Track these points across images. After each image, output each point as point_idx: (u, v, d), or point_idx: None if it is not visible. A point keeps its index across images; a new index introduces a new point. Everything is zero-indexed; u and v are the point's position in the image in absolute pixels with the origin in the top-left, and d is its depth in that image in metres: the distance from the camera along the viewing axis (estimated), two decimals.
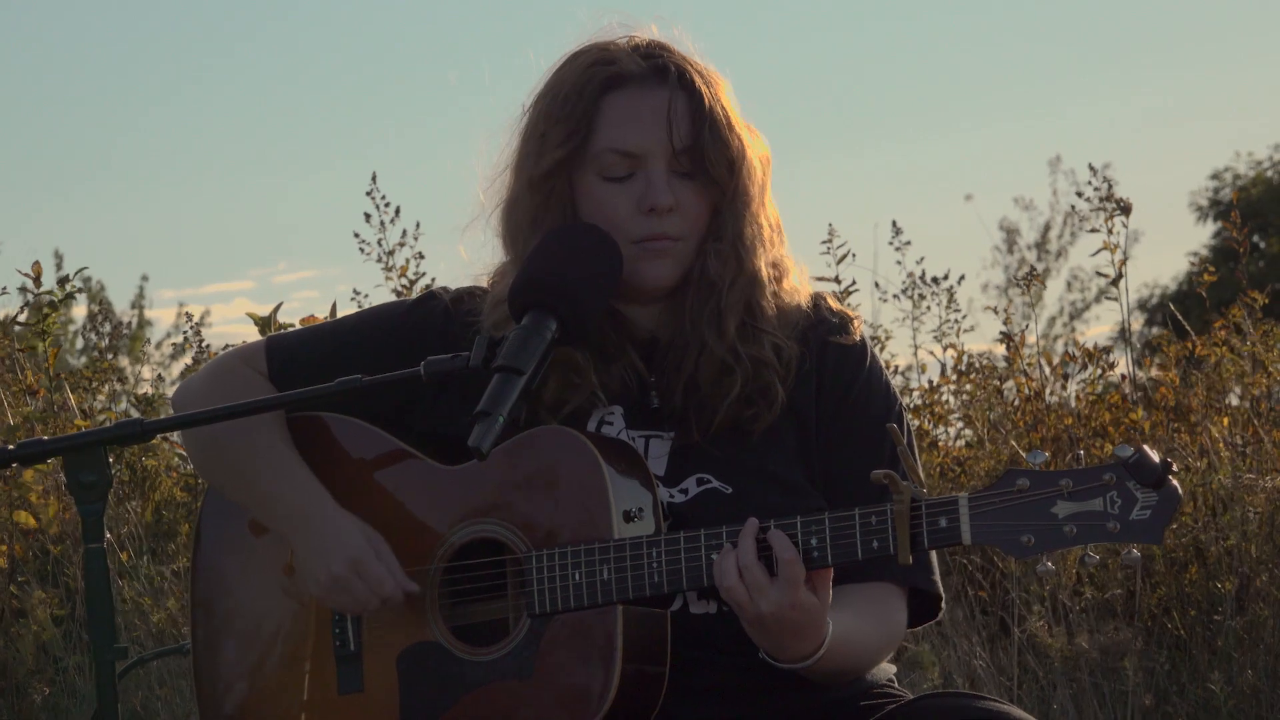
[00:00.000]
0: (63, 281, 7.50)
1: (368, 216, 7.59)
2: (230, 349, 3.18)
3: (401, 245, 7.55)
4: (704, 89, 2.95)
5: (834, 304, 3.05)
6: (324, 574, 2.93)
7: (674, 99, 2.94)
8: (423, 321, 3.07)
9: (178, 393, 3.16)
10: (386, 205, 7.58)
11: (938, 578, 2.99)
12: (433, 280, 7.41)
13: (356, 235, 7.59)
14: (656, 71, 2.96)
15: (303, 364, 3.07)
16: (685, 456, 2.96)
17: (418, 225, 7.56)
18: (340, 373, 2.88)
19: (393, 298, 6.72)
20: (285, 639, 3.04)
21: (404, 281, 7.46)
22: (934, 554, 2.97)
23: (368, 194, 7.59)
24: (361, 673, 2.98)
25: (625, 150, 2.95)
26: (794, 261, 3.05)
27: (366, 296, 7.48)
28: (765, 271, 2.97)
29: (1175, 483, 2.62)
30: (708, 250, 2.96)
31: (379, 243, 7.58)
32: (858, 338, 3.02)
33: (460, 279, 3.12)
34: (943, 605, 3.02)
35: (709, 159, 2.93)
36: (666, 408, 2.97)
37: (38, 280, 7.31)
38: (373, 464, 3.03)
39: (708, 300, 2.95)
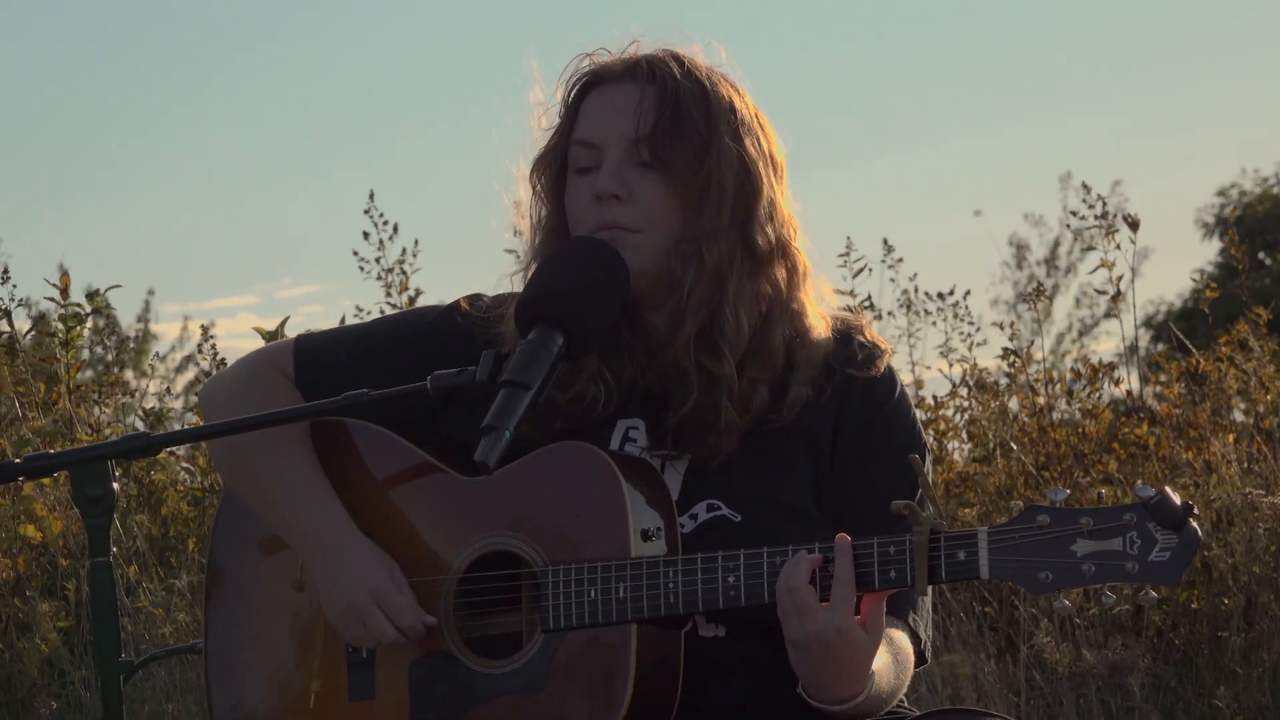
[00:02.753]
0: (91, 295, 7.52)
1: (366, 235, 7.62)
2: (259, 348, 3.17)
3: (401, 262, 7.58)
4: (673, 81, 2.93)
5: (869, 335, 3.01)
6: (343, 602, 2.93)
7: (640, 91, 2.93)
8: (451, 329, 3.06)
9: (205, 390, 3.14)
10: (385, 223, 7.61)
11: (928, 623, 2.97)
12: (432, 296, 7.45)
13: (356, 254, 7.62)
14: (630, 69, 2.96)
15: (328, 366, 3.07)
16: (698, 481, 2.94)
17: (416, 242, 7.59)
18: (365, 377, 2.89)
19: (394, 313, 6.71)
20: (298, 644, 3.04)
21: (405, 298, 7.48)
22: (929, 600, 2.97)
23: (365, 212, 7.63)
24: (373, 680, 2.98)
25: (586, 141, 2.96)
26: (818, 295, 2.99)
27: (368, 313, 7.51)
28: (747, 286, 2.92)
29: (1195, 525, 2.61)
30: (676, 250, 2.92)
31: (377, 260, 7.61)
32: (883, 368, 2.97)
33: (461, 292, 3.13)
34: (928, 653, 3.00)
35: (667, 149, 2.90)
36: (690, 417, 2.95)
37: (64, 293, 7.32)
38: (393, 472, 3.03)
39: (669, 302, 2.93)
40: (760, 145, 2.96)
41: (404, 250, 7.60)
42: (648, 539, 2.84)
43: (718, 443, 2.91)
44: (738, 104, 2.96)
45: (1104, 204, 6.88)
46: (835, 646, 2.70)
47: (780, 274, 2.96)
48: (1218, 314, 7.23)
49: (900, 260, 7.63)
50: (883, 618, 2.73)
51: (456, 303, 3.10)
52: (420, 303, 7.36)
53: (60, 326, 7.33)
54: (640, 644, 2.81)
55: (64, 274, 7.36)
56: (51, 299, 7.34)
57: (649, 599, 2.80)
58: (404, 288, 7.53)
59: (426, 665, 2.94)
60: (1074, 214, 6.97)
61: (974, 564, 2.67)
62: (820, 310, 3.00)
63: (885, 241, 7.63)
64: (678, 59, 2.96)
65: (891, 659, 2.85)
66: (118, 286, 7.50)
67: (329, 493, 3.01)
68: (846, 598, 2.69)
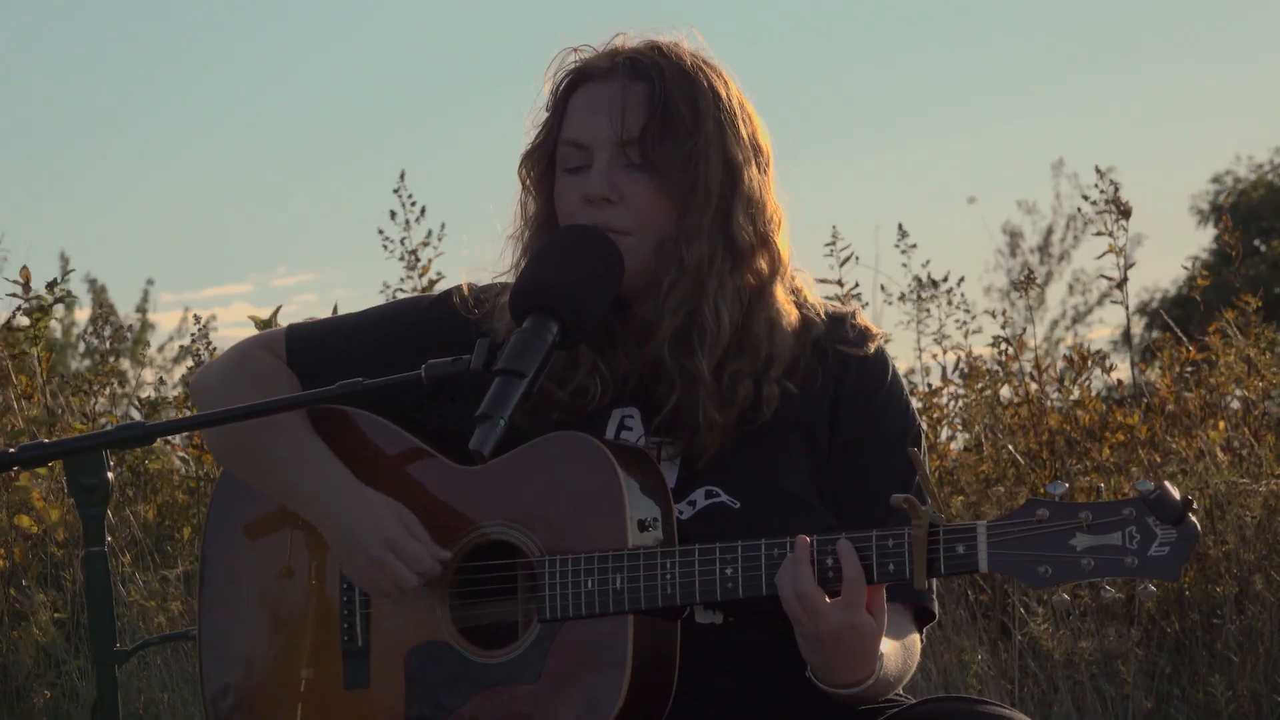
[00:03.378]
0: (50, 285, 7.51)
1: (393, 214, 7.63)
2: (249, 336, 3.17)
3: (425, 244, 7.60)
4: (660, 78, 2.91)
5: (861, 321, 3.01)
6: (362, 559, 2.93)
7: (628, 90, 2.92)
8: (443, 319, 3.06)
9: (196, 379, 3.14)
10: (413, 204, 7.63)
11: (935, 596, 2.99)
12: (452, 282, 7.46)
13: (381, 232, 7.63)
14: (618, 65, 2.94)
15: (322, 355, 3.07)
16: (695, 467, 2.94)
17: (443, 226, 7.62)
18: (358, 366, 2.89)
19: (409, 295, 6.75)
20: (292, 632, 3.05)
21: (426, 280, 7.50)
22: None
23: (394, 191, 7.64)
24: (368, 669, 2.98)
25: (575, 141, 2.94)
26: (798, 284, 2.99)
27: (392, 292, 7.54)
28: (728, 281, 2.91)
29: (1194, 520, 2.62)
30: (659, 249, 2.91)
31: (402, 241, 7.62)
32: (873, 349, 2.98)
33: (478, 278, 3.12)
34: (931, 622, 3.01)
35: (656, 150, 2.89)
36: (672, 415, 2.95)
37: (26, 286, 7.33)
38: (389, 461, 3.03)
39: (650, 302, 2.93)
40: (745, 136, 2.95)
41: (429, 232, 7.63)
42: (645, 529, 2.84)
43: (703, 440, 2.91)
44: (723, 94, 2.94)
45: (1116, 187, 6.87)
46: (846, 639, 2.71)
47: (762, 265, 2.95)
48: (1211, 301, 7.23)
49: (914, 246, 7.63)
50: (884, 600, 2.74)
51: (449, 291, 3.09)
52: (440, 286, 7.37)
53: (26, 320, 7.34)
54: (637, 633, 2.82)
55: (23, 267, 7.37)
56: (13, 294, 7.35)
57: (646, 590, 2.81)
58: (425, 270, 7.55)
59: (423, 654, 2.94)
60: (1086, 198, 6.96)
61: (973, 558, 2.68)
62: (790, 304, 2.97)
63: (900, 226, 7.64)
64: (663, 51, 2.94)
65: (900, 644, 2.87)
66: (72, 271, 7.48)
67: (329, 455, 3.01)
68: (857, 595, 2.70)
